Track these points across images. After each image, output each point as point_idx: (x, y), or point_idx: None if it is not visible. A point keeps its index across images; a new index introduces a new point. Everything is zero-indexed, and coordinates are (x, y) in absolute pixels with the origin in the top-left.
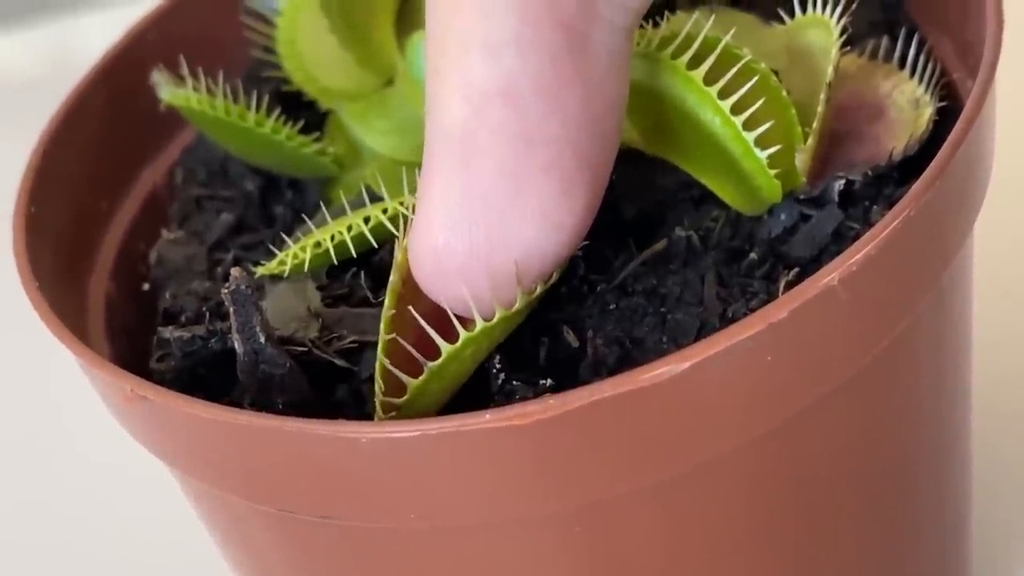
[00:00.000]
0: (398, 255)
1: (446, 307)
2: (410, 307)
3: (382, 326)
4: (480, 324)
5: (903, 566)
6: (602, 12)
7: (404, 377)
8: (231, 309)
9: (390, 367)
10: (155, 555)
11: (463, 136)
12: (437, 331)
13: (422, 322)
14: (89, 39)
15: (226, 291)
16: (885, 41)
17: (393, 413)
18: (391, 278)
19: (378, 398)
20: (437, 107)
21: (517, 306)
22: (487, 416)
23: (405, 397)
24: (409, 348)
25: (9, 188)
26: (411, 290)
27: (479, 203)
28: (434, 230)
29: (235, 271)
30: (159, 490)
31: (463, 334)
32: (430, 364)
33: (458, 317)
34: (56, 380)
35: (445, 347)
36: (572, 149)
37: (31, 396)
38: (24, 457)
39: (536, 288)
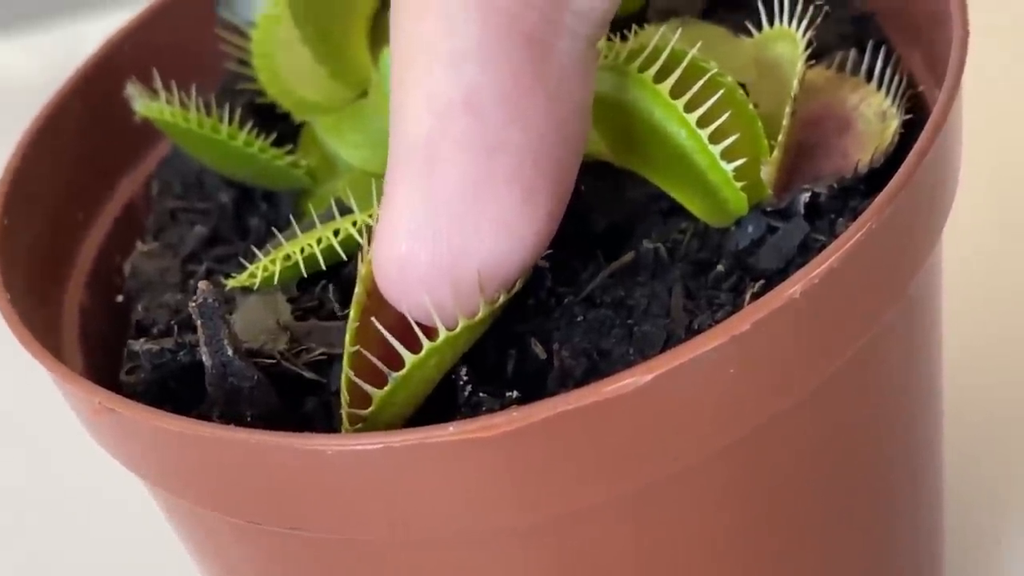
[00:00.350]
0: (362, 268)
1: (409, 316)
2: (373, 318)
3: (347, 338)
4: (443, 333)
5: (877, 572)
6: (565, 21)
7: (369, 388)
8: (198, 322)
9: (355, 379)
10: (132, 565)
11: (426, 146)
12: (401, 342)
13: (385, 333)
14: (93, 45)
15: (193, 304)
16: (853, 54)
17: (360, 425)
18: (356, 290)
19: (344, 410)
20: (401, 117)
21: (480, 315)
22: (451, 429)
23: (371, 408)
24: (374, 360)
25: None
26: (376, 302)
27: (442, 212)
28: (397, 239)
29: (202, 284)
30: (136, 500)
31: (426, 344)
32: (394, 374)
33: (422, 327)
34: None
35: (409, 357)
36: (534, 158)
37: (14, 406)
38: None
39: (499, 297)
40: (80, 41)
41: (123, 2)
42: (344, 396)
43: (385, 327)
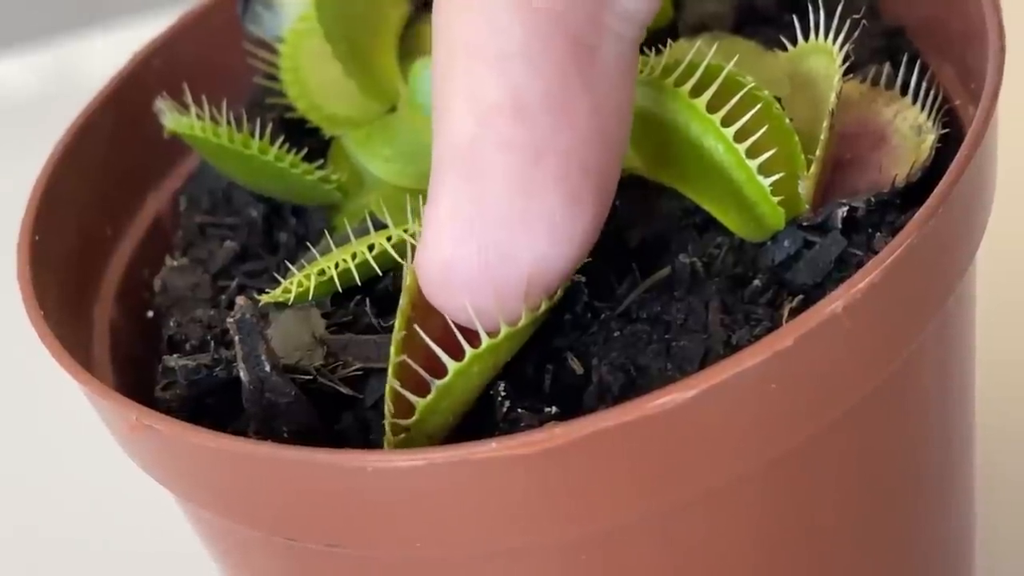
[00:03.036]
0: (407, 278)
1: (453, 320)
2: (416, 326)
3: (392, 348)
4: (486, 341)
5: None
6: (609, 23)
7: (412, 398)
8: (236, 338)
9: (399, 389)
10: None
11: (471, 148)
12: (444, 351)
13: (428, 341)
14: (93, 61)
15: (232, 320)
16: (887, 68)
17: (403, 435)
18: (400, 301)
19: (387, 420)
20: (445, 119)
21: (523, 322)
22: (493, 445)
23: (414, 418)
24: (418, 369)
25: (13, 208)
26: (420, 313)
27: (487, 216)
28: (443, 243)
29: (240, 300)
30: (160, 517)
31: (469, 351)
32: (438, 382)
33: (465, 335)
34: (60, 407)
35: (452, 364)
36: (580, 161)
37: (34, 422)
38: (24, 482)
39: (541, 305)
40: (81, 58)
41: (123, 19)
42: (388, 406)
43: (429, 338)
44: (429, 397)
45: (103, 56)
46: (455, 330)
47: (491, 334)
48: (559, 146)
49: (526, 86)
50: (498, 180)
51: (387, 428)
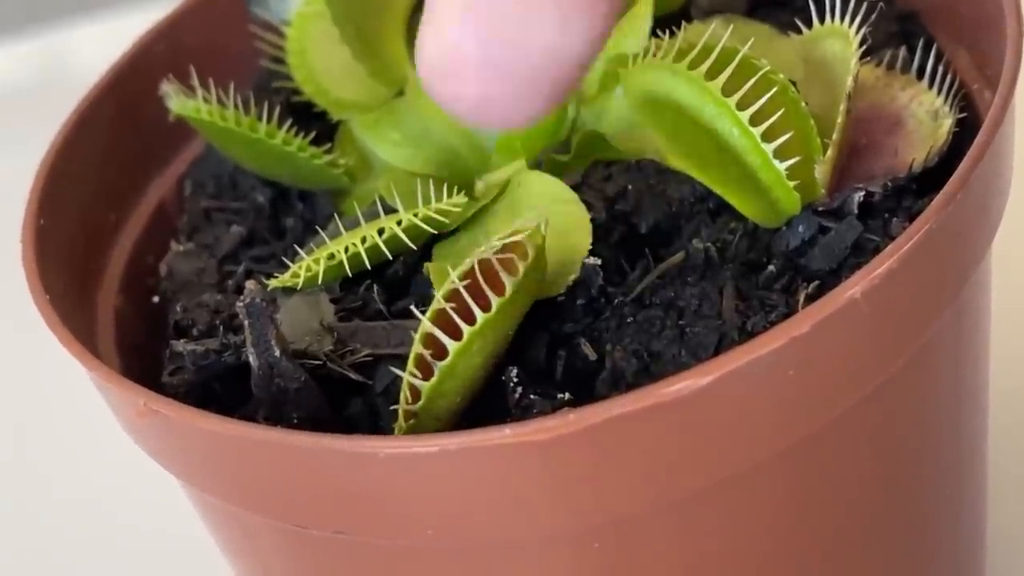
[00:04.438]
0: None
1: (459, 115)
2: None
3: (417, 339)
4: (480, 317)
5: (920, 573)
6: None
7: (418, 382)
8: (246, 323)
9: (410, 377)
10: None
11: None
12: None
13: (429, 324)
14: (83, 50)
15: (241, 304)
16: (902, 52)
17: (412, 421)
18: (437, 295)
19: (401, 407)
20: None
21: (509, 291)
22: (506, 431)
23: (420, 402)
24: (426, 356)
25: (7, 199)
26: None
27: (496, 2)
28: (447, 30)
29: (250, 284)
30: (166, 503)
31: (467, 330)
32: (440, 363)
33: (462, 318)
34: (61, 392)
35: (452, 345)
36: None
37: (34, 408)
38: (23, 470)
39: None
40: (69, 47)
41: (114, 9)
42: (404, 394)
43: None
44: (433, 379)
45: (92, 46)
46: (453, 317)
47: (485, 309)
48: None
49: None
50: None
51: (400, 415)
